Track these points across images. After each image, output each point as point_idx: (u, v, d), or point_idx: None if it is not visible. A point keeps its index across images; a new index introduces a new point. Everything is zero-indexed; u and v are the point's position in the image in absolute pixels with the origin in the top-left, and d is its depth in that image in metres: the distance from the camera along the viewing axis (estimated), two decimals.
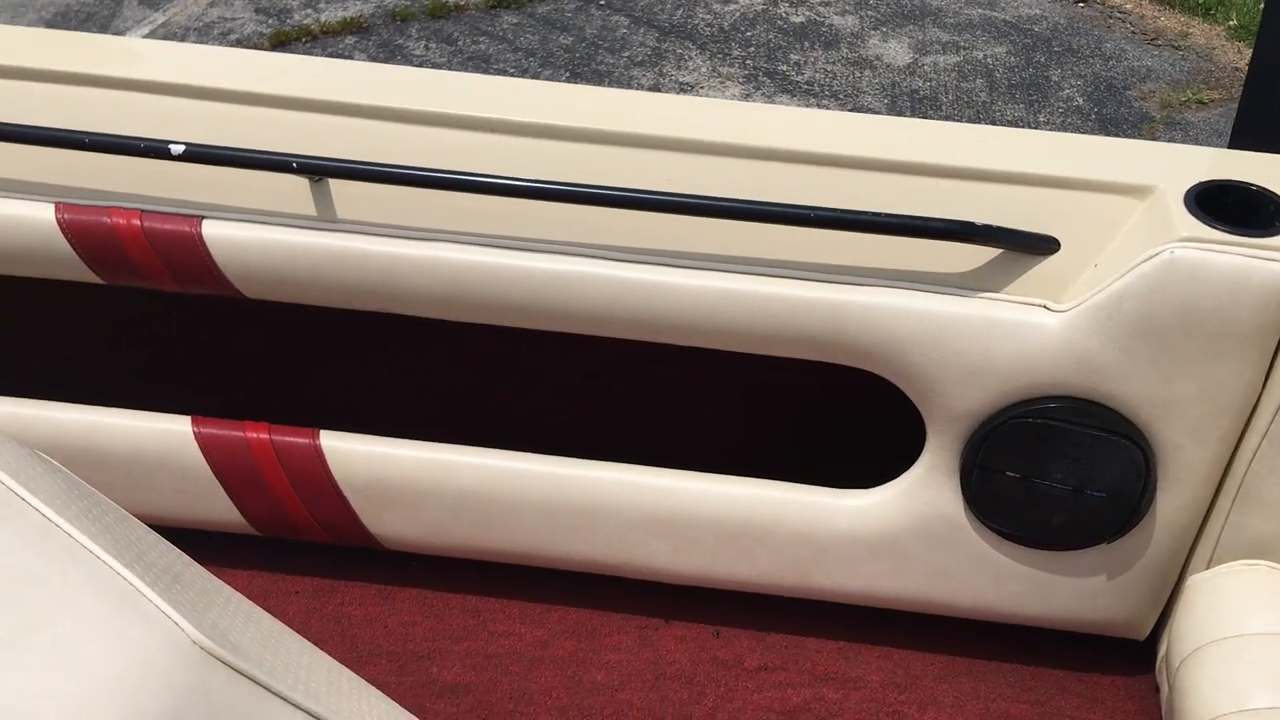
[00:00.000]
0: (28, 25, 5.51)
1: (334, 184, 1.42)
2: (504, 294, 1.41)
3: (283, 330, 1.73)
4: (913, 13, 5.92)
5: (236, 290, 1.47)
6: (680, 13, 5.82)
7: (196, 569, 1.05)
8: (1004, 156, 1.38)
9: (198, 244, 1.43)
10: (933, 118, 5.00)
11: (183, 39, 5.39)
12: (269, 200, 1.44)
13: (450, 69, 5.19)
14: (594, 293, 1.39)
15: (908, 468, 1.51)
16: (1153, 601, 1.55)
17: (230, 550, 1.69)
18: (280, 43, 5.36)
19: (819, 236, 1.36)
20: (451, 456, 1.54)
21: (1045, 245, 1.35)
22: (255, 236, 1.43)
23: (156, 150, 1.38)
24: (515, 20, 5.69)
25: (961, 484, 1.44)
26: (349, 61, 1.57)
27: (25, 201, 1.46)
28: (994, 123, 4.96)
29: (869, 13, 5.90)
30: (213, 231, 1.44)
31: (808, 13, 5.88)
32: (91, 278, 1.49)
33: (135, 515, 1.64)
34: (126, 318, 1.76)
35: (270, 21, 5.58)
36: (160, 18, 5.61)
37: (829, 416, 1.76)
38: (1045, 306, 1.36)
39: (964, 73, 5.37)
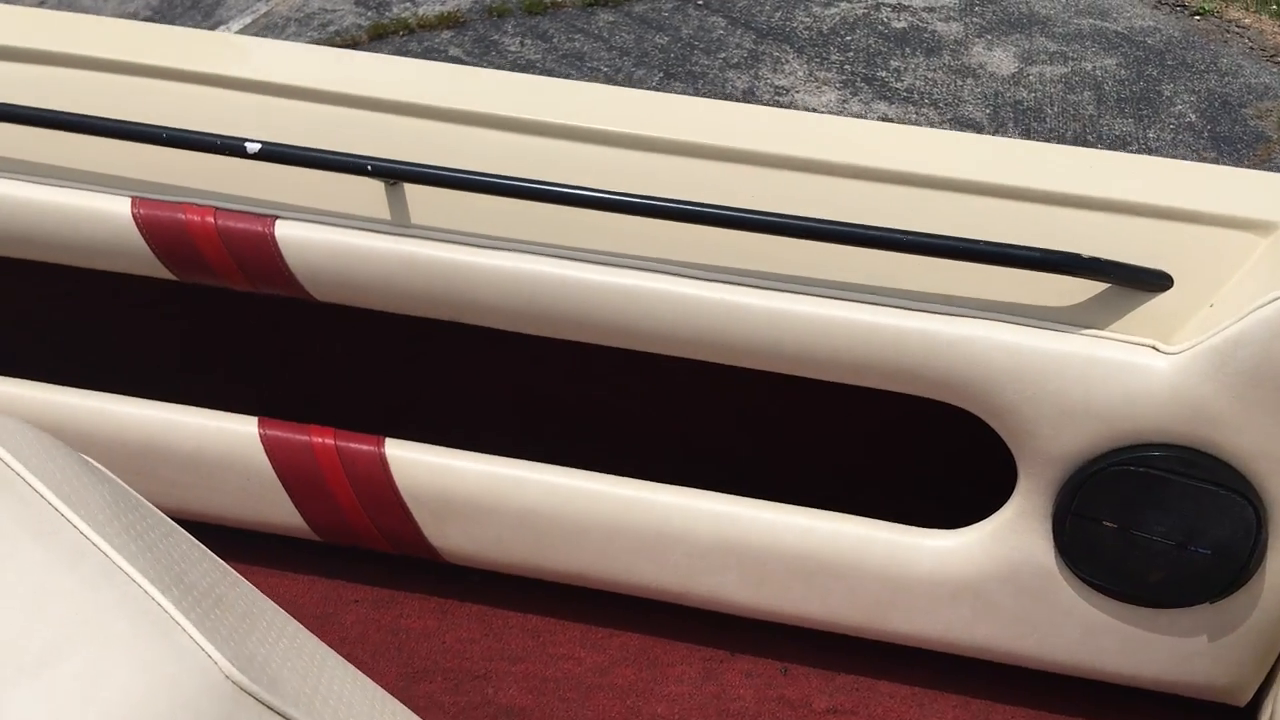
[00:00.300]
0: (135, 11, 5.62)
1: (409, 188, 1.38)
2: (580, 309, 1.35)
3: (352, 334, 1.70)
4: (1020, 21, 5.75)
5: (307, 292, 1.44)
6: (779, 15, 5.73)
7: (243, 588, 1.01)
8: (1111, 183, 1.29)
9: (270, 244, 1.40)
10: (1036, 130, 4.84)
11: (283, 29, 5.45)
12: (344, 202, 1.41)
13: (544, 66, 5.18)
14: (673, 312, 1.33)
15: (995, 509, 1.42)
16: (1256, 667, 1.44)
17: (291, 554, 1.66)
18: (378, 36, 5.39)
19: (909, 261, 1.28)
20: (517, 472, 1.49)
21: (1156, 281, 1.26)
22: (326, 239, 1.40)
23: (232, 148, 1.35)
24: (611, 18, 5.65)
25: (1054, 531, 1.35)
26: (432, 63, 1.53)
27: (102, 195, 1.44)
28: (1100, 137, 4.79)
29: (974, 20, 5.75)
30: (285, 232, 1.41)
31: (910, 18, 5.74)
32: (164, 274, 1.47)
33: (197, 514, 1.63)
34: (196, 314, 1.74)
35: (369, 14, 5.61)
36: (263, 7, 5.68)
37: (911, 449, 1.68)
38: (1154, 347, 1.27)
39: (1071, 84, 5.19)
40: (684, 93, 5.01)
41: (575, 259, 1.36)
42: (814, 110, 4.91)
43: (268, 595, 1.65)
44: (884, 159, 1.32)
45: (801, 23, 5.67)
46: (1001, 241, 1.22)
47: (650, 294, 1.33)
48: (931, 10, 5.83)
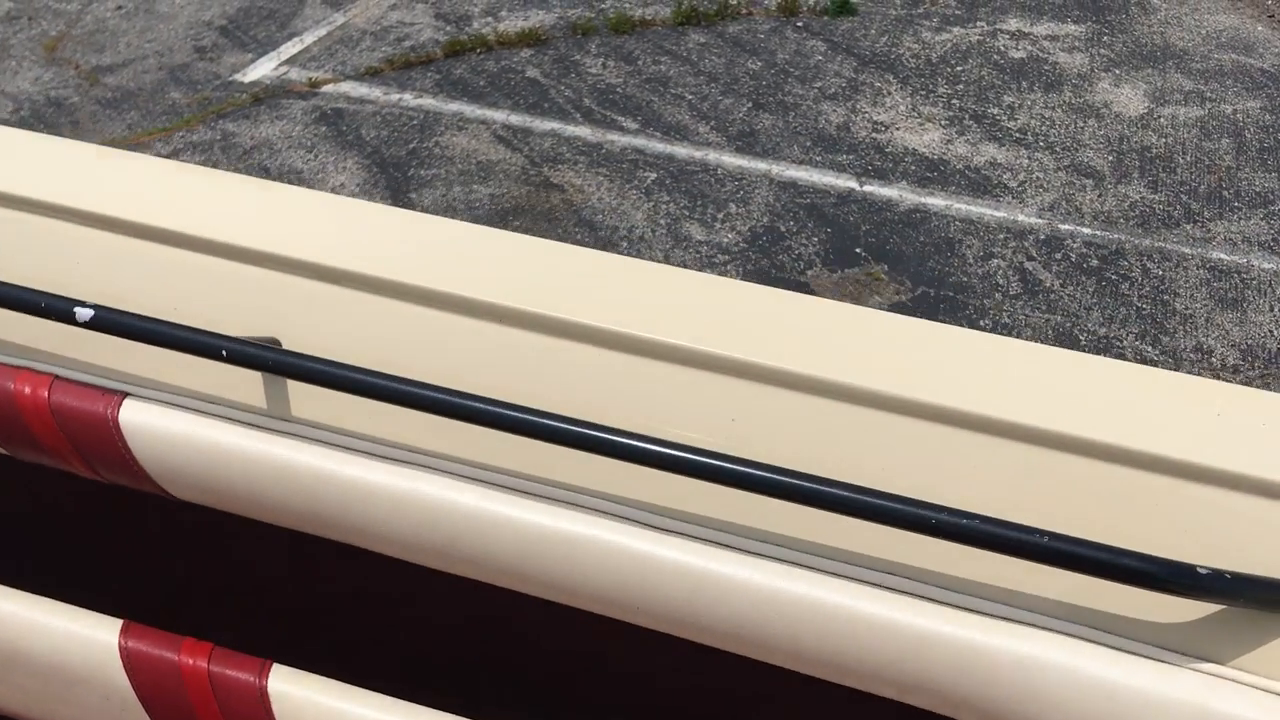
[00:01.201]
0: (210, 19, 5.44)
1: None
2: (501, 554, 1.00)
3: (240, 528, 1.37)
4: (1153, 54, 5.21)
5: (161, 489, 1.12)
6: (885, 40, 5.29)
7: None
8: (1249, 447, 0.88)
9: (111, 429, 1.08)
10: (1165, 181, 4.33)
11: (358, 43, 5.21)
12: (213, 381, 1.08)
13: (625, 91, 4.83)
14: (624, 571, 0.97)
15: None
16: None
17: None
18: (453, 53, 5.11)
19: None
20: None
21: None
22: (181, 430, 1.07)
23: (59, 311, 1.03)
24: (703, 39, 5.28)
25: None
26: (368, 204, 1.17)
27: None
28: (1238, 194, 4.26)
29: (1101, 51, 5.23)
30: (132, 416, 1.08)
31: (1030, 47, 5.25)
32: None
33: None
34: (57, 489, 1.44)
35: (448, 29, 5.34)
36: (340, 18, 5.45)
37: None
38: None
39: (1207, 130, 4.66)
40: (773, 126, 4.62)
41: (497, 486, 1.01)
42: (914, 151, 4.48)
43: None
44: (920, 386, 0.93)
45: (908, 49, 5.22)
46: (1084, 541, 0.82)
47: (594, 546, 0.97)
48: (1054, 39, 5.33)
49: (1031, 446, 0.90)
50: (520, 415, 0.92)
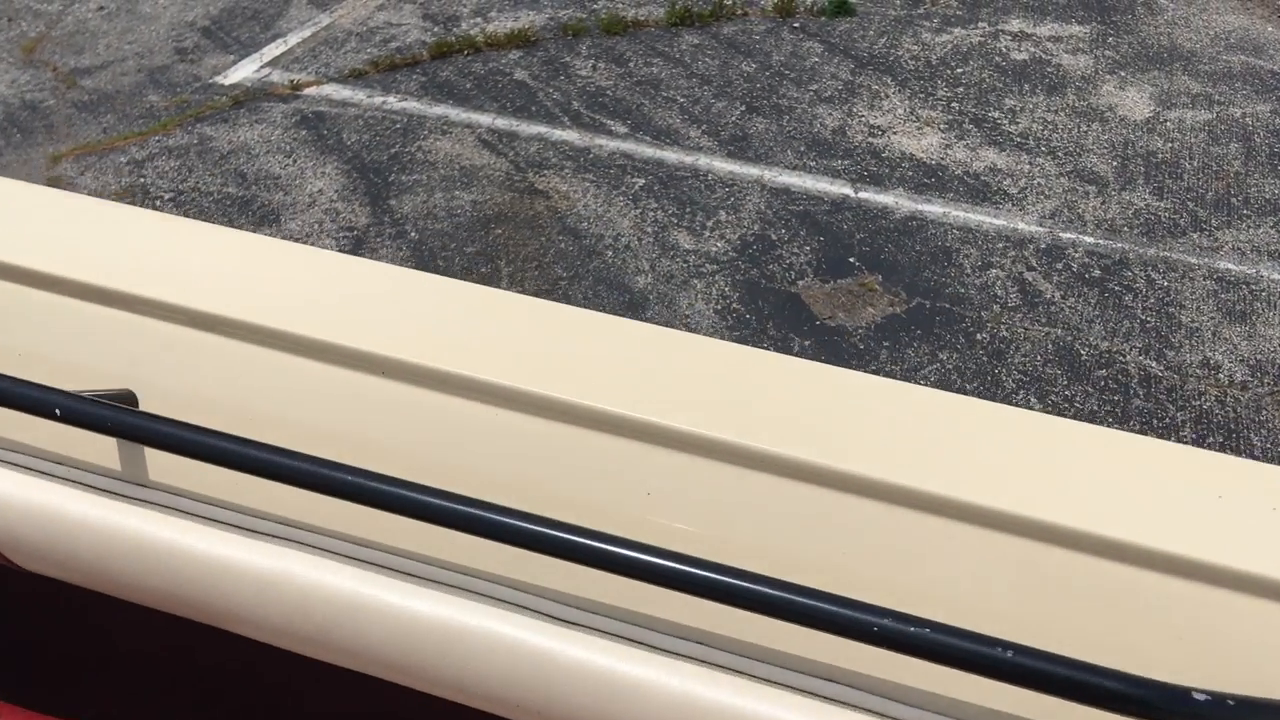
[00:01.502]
0: (194, 20, 5.31)
1: None
2: (380, 644, 0.87)
3: (107, 608, 1.24)
4: (1159, 55, 5.06)
5: (7, 560, 0.99)
6: (884, 41, 5.15)
7: None
8: (1254, 538, 0.74)
9: None
10: (1171, 188, 4.19)
11: (343, 44, 5.08)
12: (61, 438, 0.95)
13: (616, 94, 4.70)
14: (519, 668, 0.84)
15: None
16: None
17: None
18: (440, 54, 4.98)
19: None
20: None
21: None
22: (23, 495, 0.94)
23: None
24: (696, 40, 5.14)
25: None
26: (246, 235, 1.03)
27: None
28: (1247, 201, 4.11)
29: (1106, 52, 5.08)
30: None
31: (1033, 48, 5.10)
32: None
33: None
34: None
35: (435, 30, 5.20)
36: (325, 19, 5.32)
37: None
38: None
39: (1215, 134, 4.51)
40: (766, 130, 4.48)
41: (382, 569, 0.88)
42: (911, 156, 4.33)
43: None
44: (885, 464, 0.79)
45: (908, 51, 5.08)
46: (1044, 652, 0.69)
47: (485, 639, 0.84)
48: (1058, 40, 5.18)
49: (1001, 534, 0.77)
50: (403, 493, 0.79)
